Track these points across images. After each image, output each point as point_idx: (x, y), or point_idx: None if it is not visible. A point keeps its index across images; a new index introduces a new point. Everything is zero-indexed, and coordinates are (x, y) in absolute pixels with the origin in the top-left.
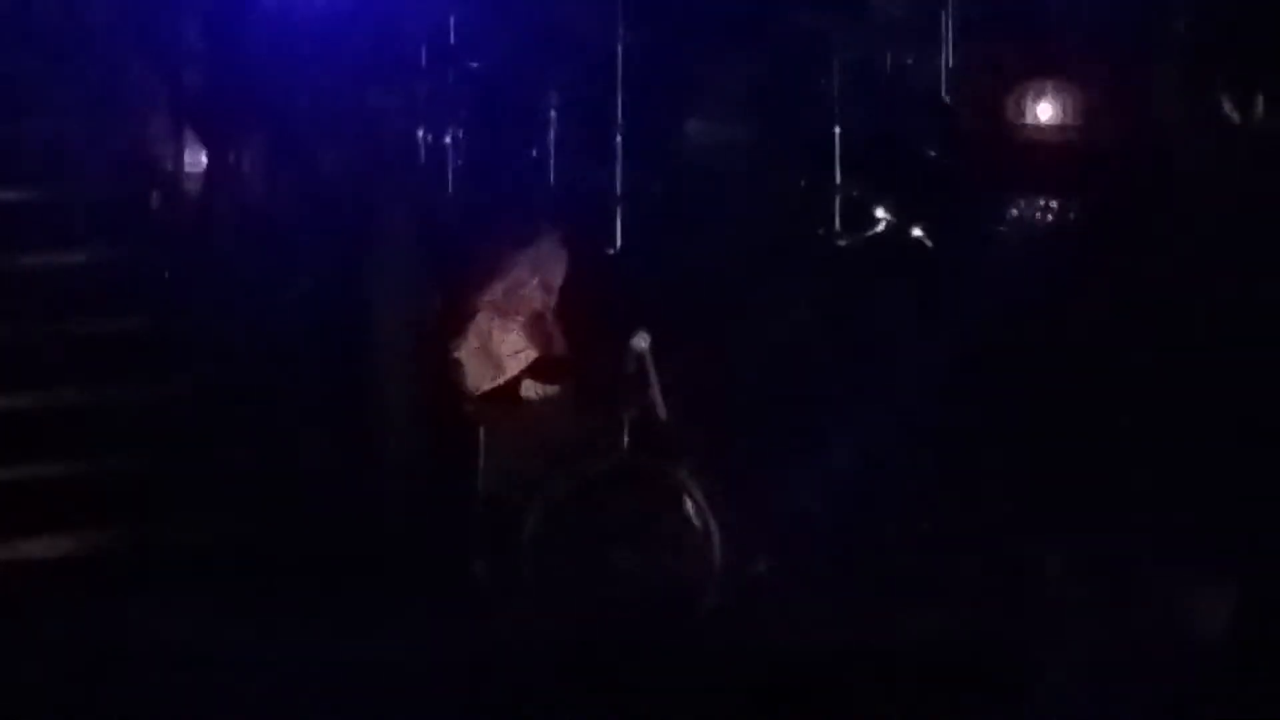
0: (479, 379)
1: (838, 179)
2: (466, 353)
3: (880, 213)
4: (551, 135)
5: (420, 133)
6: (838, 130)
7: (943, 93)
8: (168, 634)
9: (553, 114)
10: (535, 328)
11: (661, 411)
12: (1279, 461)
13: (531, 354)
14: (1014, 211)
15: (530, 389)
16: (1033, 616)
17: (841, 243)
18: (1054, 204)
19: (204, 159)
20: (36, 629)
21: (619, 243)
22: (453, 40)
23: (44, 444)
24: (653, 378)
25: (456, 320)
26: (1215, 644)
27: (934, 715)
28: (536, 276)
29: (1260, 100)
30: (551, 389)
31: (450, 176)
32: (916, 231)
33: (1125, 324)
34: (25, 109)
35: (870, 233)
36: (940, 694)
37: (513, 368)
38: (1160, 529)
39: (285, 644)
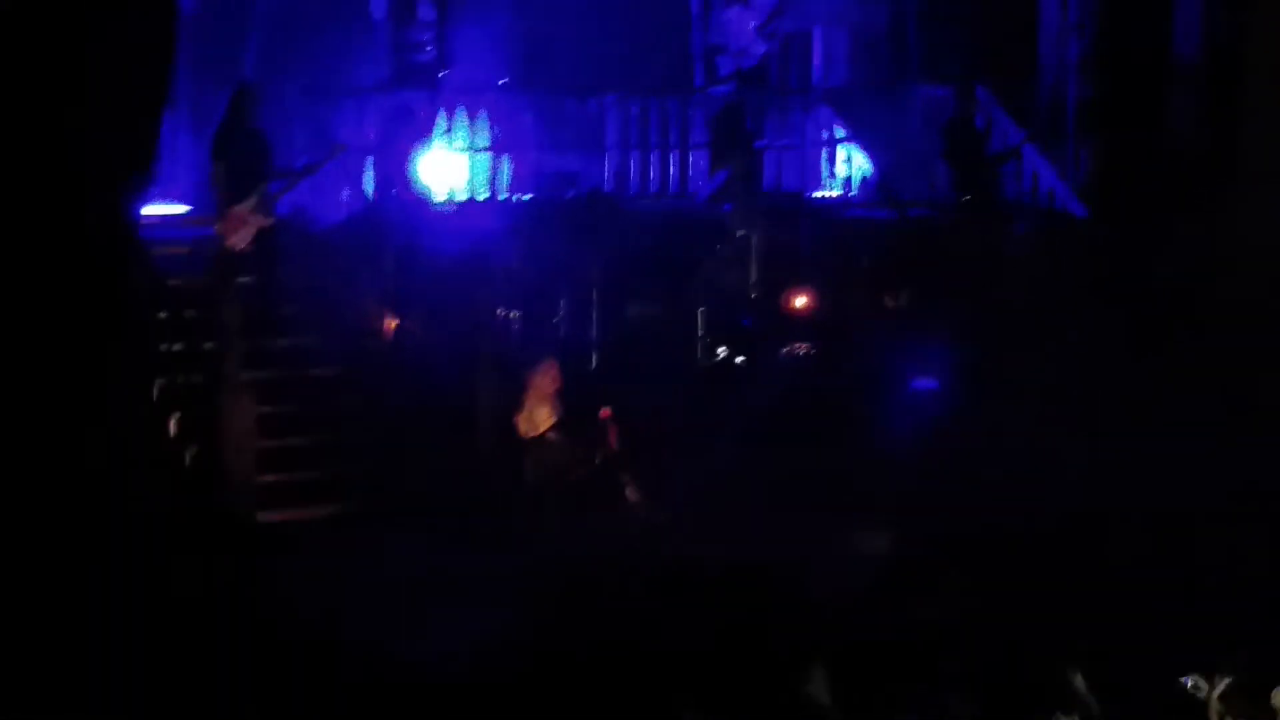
0: (528, 430)
1: (700, 333)
2: (521, 418)
3: (721, 350)
4: (562, 313)
5: (498, 311)
6: (701, 310)
7: (751, 292)
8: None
9: (562, 303)
10: (553, 406)
11: (616, 446)
12: None
13: (552, 419)
14: (784, 350)
15: (552, 435)
16: None
17: (703, 364)
18: (803, 347)
19: (394, 323)
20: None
21: (595, 364)
22: (513, 267)
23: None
24: (611, 429)
25: (517, 401)
26: None
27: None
28: (549, 381)
29: (903, 297)
30: (563, 436)
31: (513, 332)
32: (739, 359)
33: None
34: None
35: (716, 360)
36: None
37: (543, 426)
38: None
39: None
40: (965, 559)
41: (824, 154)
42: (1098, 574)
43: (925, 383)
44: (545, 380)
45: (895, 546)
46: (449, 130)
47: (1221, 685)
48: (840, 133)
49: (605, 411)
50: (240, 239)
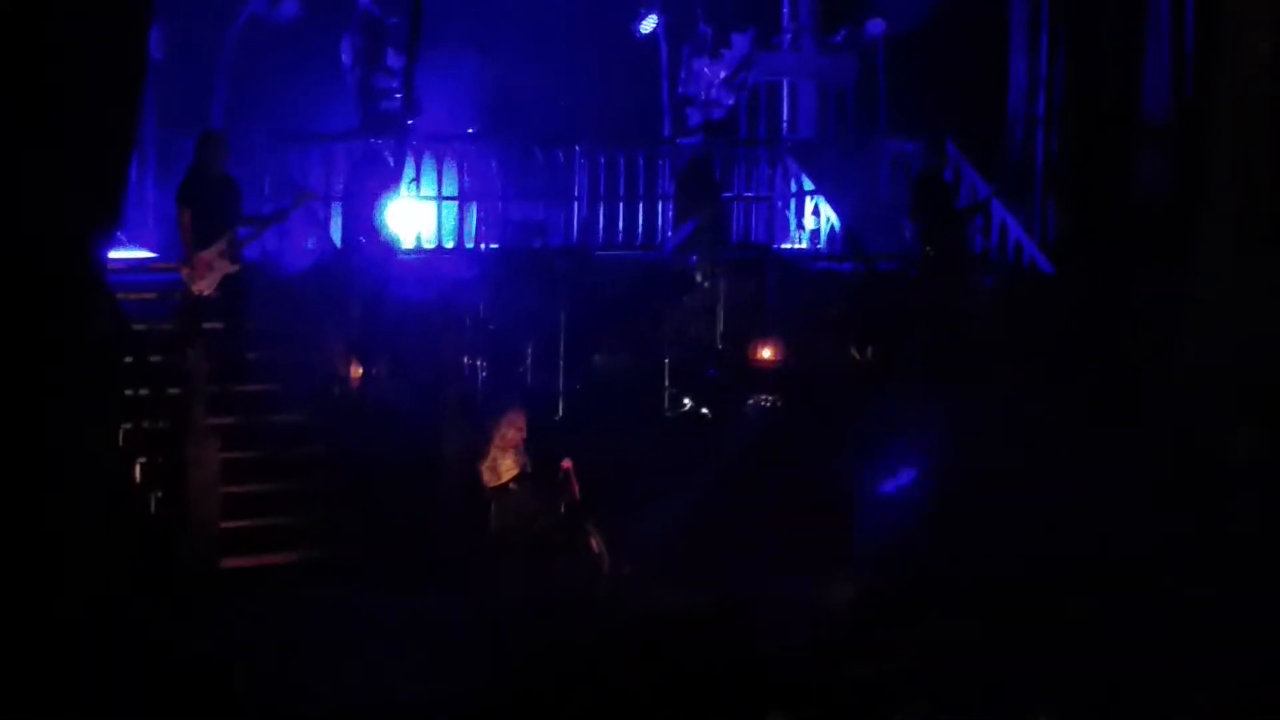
0: (490, 480)
1: (666, 384)
2: (485, 467)
3: (686, 401)
4: (529, 362)
5: (465, 359)
6: (667, 361)
7: (718, 343)
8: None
9: (529, 351)
10: (515, 455)
11: (578, 496)
12: None
13: (515, 469)
14: (750, 401)
15: (514, 485)
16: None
17: (669, 415)
18: (769, 397)
19: (359, 370)
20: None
21: (561, 413)
22: (481, 315)
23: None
24: (573, 480)
25: (481, 450)
26: None
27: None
28: (514, 431)
29: (869, 350)
30: (526, 486)
31: (479, 381)
32: (704, 410)
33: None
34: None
35: (681, 411)
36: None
37: (506, 476)
38: None
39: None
40: (925, 605)
41: (791, 206)
42: (1058, 619)
43: (890, 435)
44: (511, 430)
45: (857, 594)
46: (416, 178)
47: None
48: (808, 185)
49: (566, 463)
50: (207, 285)
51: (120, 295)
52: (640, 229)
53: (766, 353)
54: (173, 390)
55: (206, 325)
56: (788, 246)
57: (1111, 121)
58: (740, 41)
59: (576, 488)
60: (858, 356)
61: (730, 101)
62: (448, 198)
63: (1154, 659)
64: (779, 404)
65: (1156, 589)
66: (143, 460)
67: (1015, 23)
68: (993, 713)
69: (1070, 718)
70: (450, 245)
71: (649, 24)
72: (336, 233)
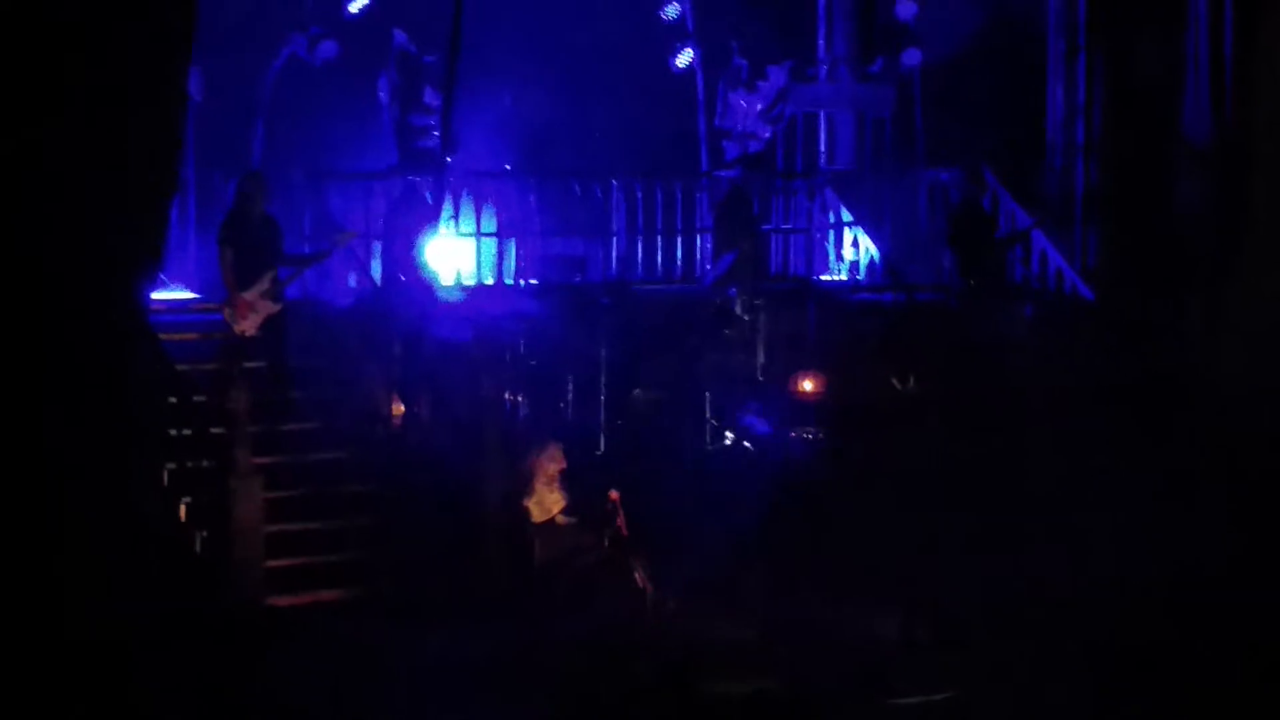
0: (538, 515)
1: (707, 417)
2: (531, 503)
3: (728, 435)
4: (569, 397)
5: (506, 396)
6: (708, 394)
7: (758, 376)
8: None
9: (570, 386)
10: (560, 489)
11: (624, 528)
12: None
13: (561, 503)
14: (792, 433)
15: (562, 519)
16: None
17: (710, 448)
18: (811, 430)
19: (401, 408)
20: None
21: (602, 448)
22: (521, 351)
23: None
24: (620, 513)
25: (527, 486)
26: None
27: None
28: (553, 464)
29: (910, 380)
30: (572, 520)
31: (520, 417)
32: (746, 443)
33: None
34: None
35: (723, 444)
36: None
37: (554, 510)
38: None
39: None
40: (972, 641)
41: (830, 237)
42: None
43: (935, 463)
44: (549, 462)
45: (903, 630)
46: (455, 215)
47: None
48: (846, 216)
49: (614, 494)
50: (249, 325)
51: (163, 336)
52: (679, 262)
53: (808, 385)
54: (216, 430)
55: (249, 365)
56: (827, 278)
57: (1151, 147)
58: (776, 73)
59: (623, 519)
60: (899, 387)
61: (767, 134)
62: (487, 234)
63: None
64: (821, 436)
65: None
66: (187, 500)
67: (1052, 50)
68: None
69: None
70: (490, 282)
71: (685, 58)
72: (377, 271)
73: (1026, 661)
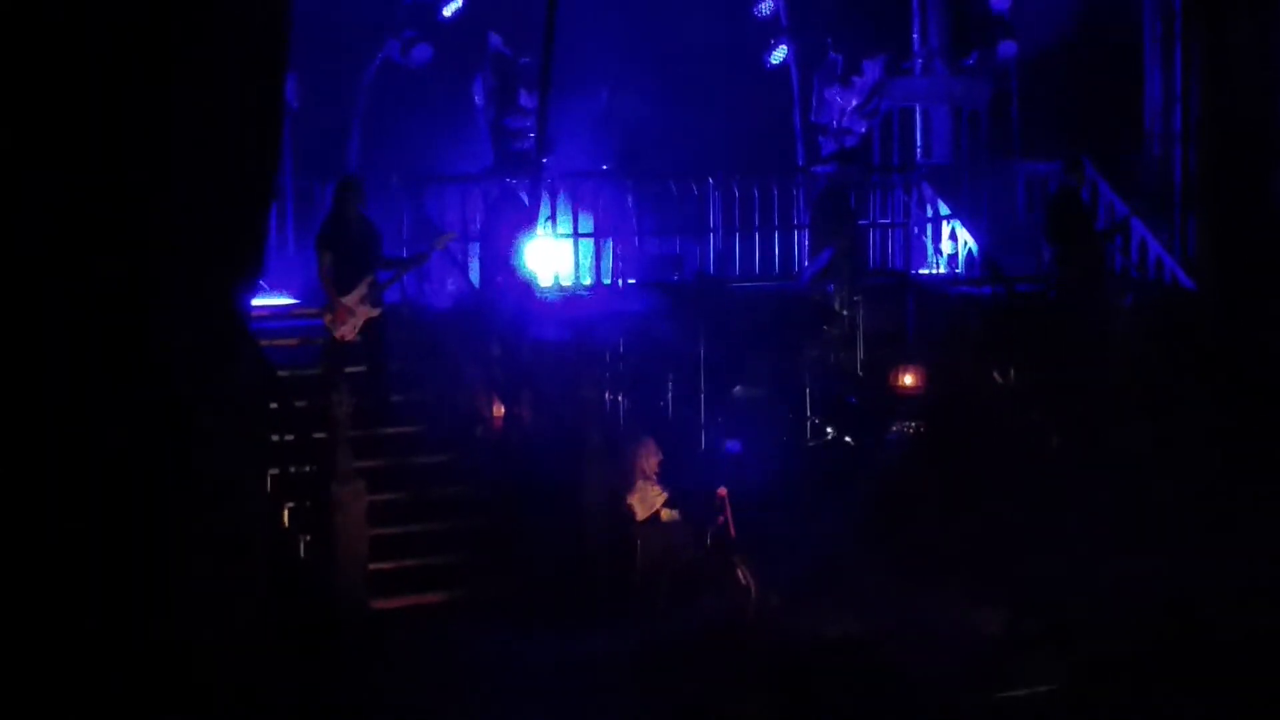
0: (642, 512)
1: (808, 413)
2: (634, 500)
3: (829, 430)
4: (669, 396)
5: (605, 395)
6: (808, 390)
7: (858, 371)
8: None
9: (670, 385)
10: (660, 484)
11: (731, 525)
12: None
13: (662, 497)
14: (893, 427)
15: (665, 514)
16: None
17: (811, 444)
18: (912, 424)
19: (501, 409)
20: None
21: (703, 445)
22: (620, 350)
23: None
24: (727, 511)
25: (629, 483)
26: None
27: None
28: (651, 460)
29: (1011, 372)
30: (675, 516)
31: (620, 417)
32: (847, 438)
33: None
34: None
35: (824, 440)
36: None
37: (657, 504)
38: None
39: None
40: (1079, 636)
41: (928, 231)
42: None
43: (1041, 458)
44: (647, 456)
45: (1010, 624)
46: (552, 216)
47: None
48: (944, 209)
49: (722, 491)
50: (349, 329)
51: (264, 342)
52: (777, 259)
53: (908, 379)
54: (318, 435)
55: (349, 369)
56: (925, 272)
57: (1250, 134)
58: (871, 68)
59: (730, 516)
60: (1000, 380)
61: (863, 129)
62: (584, 235)
63: None
64: (923, 430)
65: None
66: (291, 505)
67: (1148, 39)
68: None
69: None
70: (588, 282)
71: (779, 54)
72: (475, 273)
73: (1134, 660)
